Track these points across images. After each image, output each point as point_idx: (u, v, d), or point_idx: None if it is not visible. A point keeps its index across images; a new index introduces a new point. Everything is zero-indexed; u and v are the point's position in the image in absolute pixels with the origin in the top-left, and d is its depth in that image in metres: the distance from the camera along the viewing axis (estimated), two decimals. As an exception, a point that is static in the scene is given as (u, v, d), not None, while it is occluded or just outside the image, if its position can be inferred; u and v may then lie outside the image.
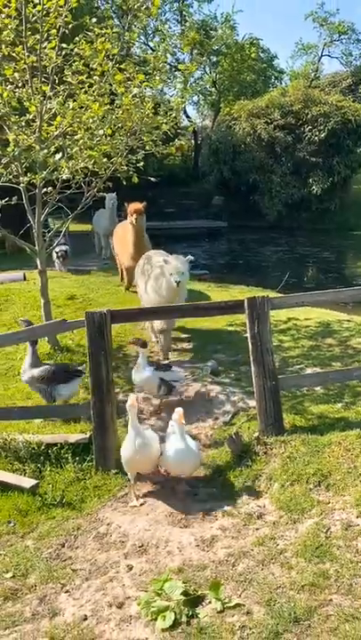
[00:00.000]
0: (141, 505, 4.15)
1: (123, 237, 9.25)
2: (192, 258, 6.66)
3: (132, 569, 3.40)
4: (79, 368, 5.71)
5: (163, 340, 6.89)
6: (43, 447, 4.85)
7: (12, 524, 4.07)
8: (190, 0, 29.61)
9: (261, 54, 32.73)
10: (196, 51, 28.73)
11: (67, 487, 4.45)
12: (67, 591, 3.25)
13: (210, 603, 3.00)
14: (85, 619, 2.99)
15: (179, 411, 4.19)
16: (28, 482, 4.41)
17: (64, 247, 12.07)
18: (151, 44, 25.83)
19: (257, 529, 3.68)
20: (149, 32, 25.50)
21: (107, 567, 3.45)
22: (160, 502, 4.18)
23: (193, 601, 2.99)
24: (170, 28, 28.02)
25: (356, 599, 2.89)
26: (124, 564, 3.46)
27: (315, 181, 23.26)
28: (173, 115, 6.33)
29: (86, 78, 6.49)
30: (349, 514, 3.62)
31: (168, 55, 7.44)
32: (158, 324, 6.68)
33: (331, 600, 2.92)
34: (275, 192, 23.78)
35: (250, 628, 2.76)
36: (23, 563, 3.53)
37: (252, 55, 31.24)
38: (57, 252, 11.91)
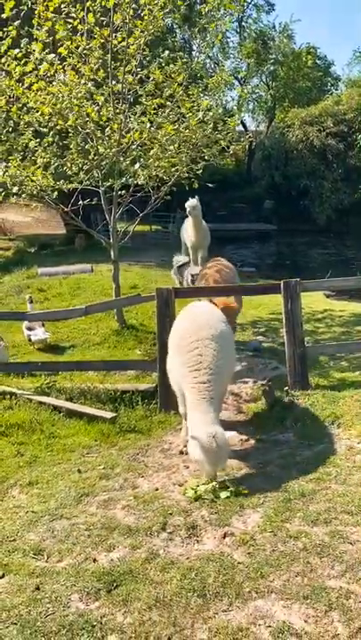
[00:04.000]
0: None
1: None
2: None
3: (189, 468, 4.70)
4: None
5: None
6: (118, 393, 6.26)
7: (97, 442, 5.46)
8: (249, 12, 30.62)
9: (318, 61, 33.50)
10: (253, 60, 29.95)
11: (138, 421, 5.83)
12: (142, 476, 4.59)
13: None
14: (157, 489, 4.32)
15: None
16: (109, 414, 5.81)
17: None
18: (211, 55, 27.19)
19: (281, 450, 4.92)
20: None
21: (170, 466, 4.77)
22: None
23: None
24: (229, 38, 29.37)
25: (348, 486, 4.08)
26: (182, 465, 4.77)
27: (365, 188, 23.97)
28: (230, 134, 7.63)
29: (158, 100, 7.89)
30: (353, 441, 4.81)
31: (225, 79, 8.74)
32: None
33: (330, 487, 4.12)
34: (325, 197, 24.61)
35: (270, 497, 4.02)
36: (110, 461, 4.90)
37: (308, 63, 32.10)
38: (192, 275, 10.28)
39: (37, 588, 3.13)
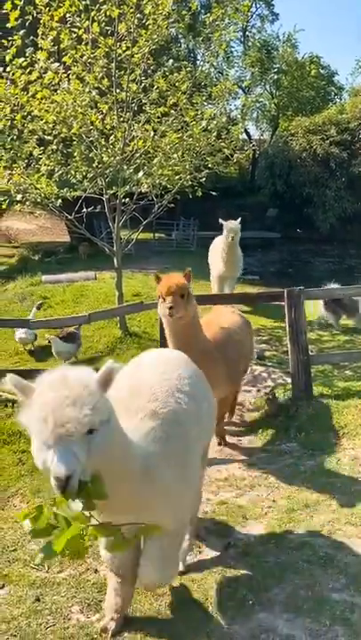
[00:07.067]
0: None
1: None
2: None
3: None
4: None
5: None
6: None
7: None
8: (254, 22, 30.82)
9: (321, 70, 33.61)
10: (257, 69, 30.11)
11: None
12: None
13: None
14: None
15: None
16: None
17: None
18: (215, 64, 27.32)
19: (284, 459, 4.88)
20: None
21: (172, 476, 4.73)
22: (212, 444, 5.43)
23: None
24: (233, 47, 29.57)
25: (352, 497, 4.04)
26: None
27: (368, 196, 23.94)
28: (234, 142, 7.64)
29: (162, 108, 7.92)
30: (357, 451, 4.77)
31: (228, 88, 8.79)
32: None
33: (334, 497, 4.08)
34: (328, 205, 24.57)
35: (274, 507, 3.98)
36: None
37: (312, 73, 32.23)
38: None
39: (38, 600, 3.10)
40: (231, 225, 8.78)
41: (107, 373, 2.17)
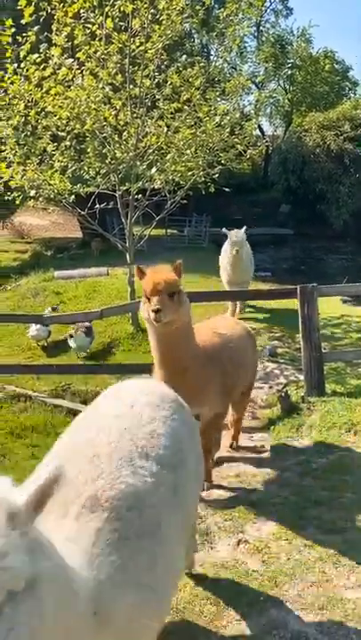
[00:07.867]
0: None
1: None
2: None
3: (203, 473, 4.67)
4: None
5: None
6: (133, 397, 6.26)
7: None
8: (268, 17, 30.64)
9: (336, 65, 33.29)
10: (270, 64, 29.94)
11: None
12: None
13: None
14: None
15: None
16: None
17: None
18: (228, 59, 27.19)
19: (297, 456, 4.86)
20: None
21: (184, 472, 4.74)
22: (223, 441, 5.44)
23: None
24: (247, 42, 29.42)
25: (365, 496, 4.03)
26: (196, 470, 4.74)
27: (382, 192, 23.72)
28: (247, 138, 7.62)
29: (175, 104, 7.92)
30: (370, 449, 4.74)
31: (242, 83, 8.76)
32: None
33: (346, 495, 4.06)
34: (342, 202, 24.40)
35: (285, 504, 3.98)
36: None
37: (326, 68, 31.93)
38: None
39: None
40: (235, 238, 8.25)
41: (42, 491, 1.25)
